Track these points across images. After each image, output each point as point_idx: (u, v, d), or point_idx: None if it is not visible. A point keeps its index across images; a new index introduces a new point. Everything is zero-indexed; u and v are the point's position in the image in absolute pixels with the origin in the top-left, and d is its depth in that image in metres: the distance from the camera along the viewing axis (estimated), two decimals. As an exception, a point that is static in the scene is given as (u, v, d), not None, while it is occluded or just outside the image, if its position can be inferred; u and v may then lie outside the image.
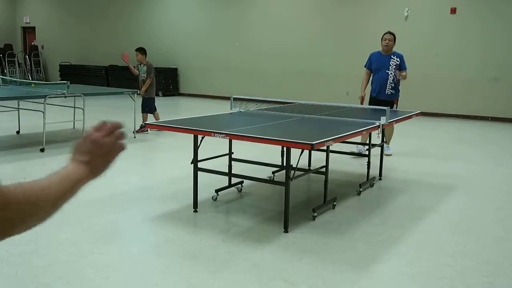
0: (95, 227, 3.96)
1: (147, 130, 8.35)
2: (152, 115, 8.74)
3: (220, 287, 3.00)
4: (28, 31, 21.37)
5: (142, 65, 8.79)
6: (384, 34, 6.81)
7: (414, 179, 5.79)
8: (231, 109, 5.58)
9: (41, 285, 2.96)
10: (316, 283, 3.06)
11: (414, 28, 11.99)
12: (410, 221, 4.28)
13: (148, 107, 8.68)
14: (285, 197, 3.90)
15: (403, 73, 6.66)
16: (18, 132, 8.18)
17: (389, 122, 4.92)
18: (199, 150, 4.31)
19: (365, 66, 6.98)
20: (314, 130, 4.60)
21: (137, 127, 8.30)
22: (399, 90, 6.83)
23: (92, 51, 18.71)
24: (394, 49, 6.83)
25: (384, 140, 5.97)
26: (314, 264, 3.34)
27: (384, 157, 5.89)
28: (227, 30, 15.11)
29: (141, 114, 8.63)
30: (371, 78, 6.88)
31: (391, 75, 6.68)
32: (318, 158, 6.26)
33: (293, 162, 3.93)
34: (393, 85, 6.70)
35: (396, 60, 6.69)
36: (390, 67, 6.67)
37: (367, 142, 5.77)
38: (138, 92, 8.50)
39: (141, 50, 8.79)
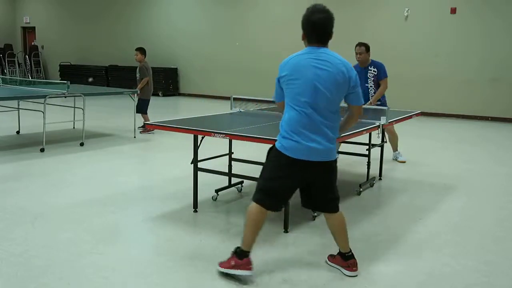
0: (95, 227, 3.96)
1: (152, 130, 8.13)
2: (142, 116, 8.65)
3: (220, 287, 3.00)
4: (28, 31, 21.38)
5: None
6: (355, 47, 6.32)
7: (414, 179, 5.79)
8: (231, 109, 5.59)
9: (41, 285, 2.96)
10: (316, 283, 3.06)
11: (414, 28, 11.99)
12: (410, 221, 4.28)
13: (142, 108, 8.59)
14: (285, 197, 3.89)
15: (369, 103, 6.25)
16: (18, 132, 8.18)
17: (389, 122, 4.92)
18: (199, 150, 4.31)
19: None
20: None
21: (137, 127, 8.30)
22: (385, 98, 6.43)
23: (92, 51, 18.72)
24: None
25: (385, 141, 5.93)
26: (314, 264, 3.34)
27: (384, 157, 5.88)
28: (227, 30, 15.12)
29: (141, 115, 8.63)
30: None
31: (371, 88, 6.31)
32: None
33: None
34: (372, 95, 6.32)
35: (374, 71, 6.27)
36: (369, 79, 6.28)
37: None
38: (138, 92, 8.50)
39: (141, 50, 8.80)
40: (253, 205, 3.11)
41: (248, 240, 3.09)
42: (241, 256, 3.06)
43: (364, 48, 6.23)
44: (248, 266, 3.05)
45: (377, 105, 6.28)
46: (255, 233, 3.10)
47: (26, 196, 4.76)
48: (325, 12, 2.96)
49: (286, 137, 3.00)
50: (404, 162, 6.64)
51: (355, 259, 3.20)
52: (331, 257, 3.31)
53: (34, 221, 4.04)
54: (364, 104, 6.27)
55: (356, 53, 6.27)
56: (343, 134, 3.53)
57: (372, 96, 6.33)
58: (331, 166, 3.10)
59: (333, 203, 3.18)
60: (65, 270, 3.15)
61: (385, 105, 6.35)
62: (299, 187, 3.17)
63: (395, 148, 6.75)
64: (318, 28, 2.97)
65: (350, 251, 3.22)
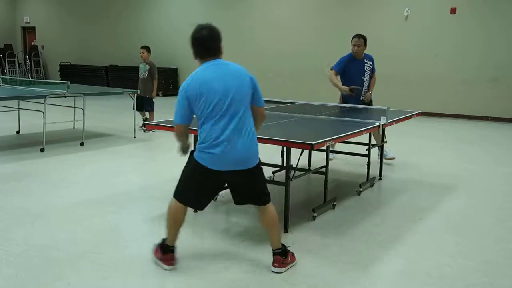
0: (95, 227, 3.96)
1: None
2: (149, 113, 8.80)
3: (220, 287, 3.01)
4: (28, 31, 21.38)
5: (144, 64, 8.79)
6: (352, 38, 6.14)
7: (414, 179, 5.79)
8: (231, 109, 5.57)
9: (41, 285, 2.96)
10: (316, 283, 3.06)
11: (414, 28, 11.99)
12: (410, 221, 4.28)
13: (152, 106, 8.76)
14: (285, 197, 3.90)
15: (368, 94, 6.26)
16: (18, 132, 8.18)
17: (389, 122, 4.92)
18: (199, 150, 4.30)
19: (334, 68, 6.22)
20: (314, 130, 4.60)
21: (139, 127, 8.31)
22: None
23: (92, 51, 18.71)
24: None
25: (385, 141, 5.87)
26: (314, 264, 3.34)
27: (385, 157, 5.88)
28: (227, 30, 15.04)
29: (148, 113, 8.73)
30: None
31: (366, 81, 6.19)
32: (318, 158, 6.26)
33: (293, 162, 3.93)
34: (367, 89, 6.28)
35: (370, 64, 6.21)
36: (366, 73, 6.17)
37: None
38: (139, 92, 8.52)
39: (148, 48, 8.84)
40: (173, 200, 3.24)
41: (169, 236, 3.22)
42: (165, 250, 3.20)
43: (363, 40, 6.10)
44: (169, 261, 3.18)
45: (367, 103, 6.25)
46: (176, 229, 3.21)
47: (26, 196, 4.76)
48: (209, 28, 3.13)
49: (205, 150, 3.03)
50: (393, 158, 6.51)
51: (279, 257, 3.19)
52: (276, 264, 3.22)
53: (34, 221, 4.04)
54: (353, 99, 6.33)
55: (354, 45, 6.10)
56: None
57: (365, 89, 6.25)
58: (255, 171, 3.13)
59: (265, 198, 3.21)
60: (65, 270, 3.15)
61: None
62: (221, 190, 3.31)
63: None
64: (207, 42, 3.11)
65: (280, 247, 3.22)
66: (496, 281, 3.17)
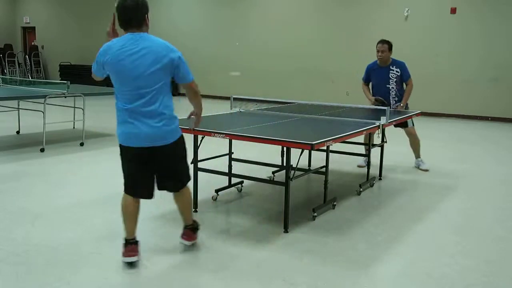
0: (95, 227, 3.96)
1: None
2: None
3: (220, 287, 3.01)
4: (28, 31, 21.37)
5: None
6: (377, 44, 5.93)
7: (414, 179, 5.79)
8: (231, 109, 5.58)
9: (41, 285, 2.96)
10: (316, 283, 3.06)
11: (414, 28, 11.99)
12: (410, 221, 4.29)
13: None
14: (285, 197, 3.90)
15: (400, 106, 5.99)
16: (18, 132, 8.18)
17: (389, 122, 4.91)
18: (199, 150, 4.30)
19: (362, 79, 6.24)
20: (314, 130, 4.60)
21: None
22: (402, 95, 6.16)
23: (92, 51, 18.62)
24: (393, 56, 6.01)
25: (385, 141, 5.84)
26: (314, 264, 3.34)
27: (384, 157, 5.88)
28: (227, 30, 15.11)
29: None
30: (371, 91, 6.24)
31: (392, 89, 5.97)
32: (318, 158, 6.26)
33: (293, 162, 3.93)
34: (396, 99, 6.03)
35: (396, 72, 5.91)
36: (391, 80, 5.93)
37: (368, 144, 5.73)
38: None
39: None
40: (124, 196, 3.31)
41: (127, 229, 3.29)
42: (125, 244, 3.25)
43: (387, 46, 5.87)
44: (131, 252, 3.21)
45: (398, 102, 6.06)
46: (133, 222, 3.29)
47: (26, 196, 4.76)
48: None
49: (119, 127, 3.22)
50: (427, 170, 6.17)
51: (190, 231, 3.50)
52: (185, 236, 3.50)
53: (34, 221, 4.04)
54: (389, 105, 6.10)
55: (378, 51, 5.91)
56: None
57: (393, 97, 6.03)
58: (169, 148, 3.18)
59: (181, 183, 3.39)
60: (65, 270, 3.15)
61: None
62: (152, 171, 3.25)
63: (417, 155, 6.31)
64: (130, 12, 3.01)
65: (192, 223, 3.52)
66: (496, 281, 3.17)
